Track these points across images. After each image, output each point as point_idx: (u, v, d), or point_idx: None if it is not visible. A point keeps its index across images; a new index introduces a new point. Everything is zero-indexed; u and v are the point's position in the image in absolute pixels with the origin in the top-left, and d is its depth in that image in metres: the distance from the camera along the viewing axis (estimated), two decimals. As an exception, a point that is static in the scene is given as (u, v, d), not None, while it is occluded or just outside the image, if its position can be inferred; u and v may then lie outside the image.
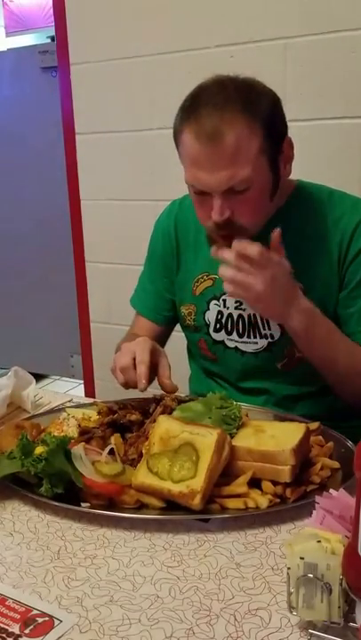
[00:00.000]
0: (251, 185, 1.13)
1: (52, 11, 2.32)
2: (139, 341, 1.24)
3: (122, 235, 2.23)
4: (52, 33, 2.33)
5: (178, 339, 1.48)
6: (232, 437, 1.02)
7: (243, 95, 1.12)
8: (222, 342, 1.33)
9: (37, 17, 6.35)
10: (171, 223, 1.40)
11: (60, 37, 2.26)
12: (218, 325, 1.32)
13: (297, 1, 1.77)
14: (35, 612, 0.80)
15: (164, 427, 1.02)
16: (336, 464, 1.02)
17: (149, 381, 1.22)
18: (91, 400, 1.35)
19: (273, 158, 1.16)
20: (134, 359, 1.20)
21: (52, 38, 2.37)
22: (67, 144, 2.33)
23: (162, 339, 1.44)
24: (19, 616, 0.79)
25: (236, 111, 1.10)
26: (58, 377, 3.52)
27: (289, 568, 0.74)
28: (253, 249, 1.10)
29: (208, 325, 1.33)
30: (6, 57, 3.18)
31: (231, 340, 1.31)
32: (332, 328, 1.20)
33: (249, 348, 1.29)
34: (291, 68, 1.82)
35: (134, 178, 2.13)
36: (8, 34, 5.18)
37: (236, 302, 1.29)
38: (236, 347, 1.31)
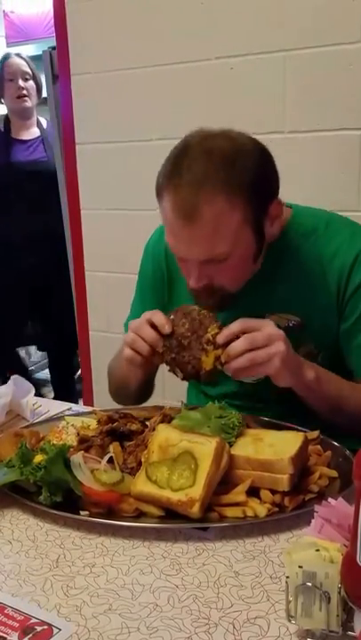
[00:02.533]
0: (231, 255, 1.11)
1: (52, 21, 2.34)
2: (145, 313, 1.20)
3: (122, 244, 2.24)
4: (53, 43, 2.35)
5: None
6: (231, 446, 1.02)
7: (226, 168, 1.07)
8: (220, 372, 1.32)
9: (38, 27, 6.39)
10: (161, 251, 1.37)
11: (61, 48, 2.28)
12: None
13: (296, 14, 1.79)
14: (33, 620, 0.80)
15: (164, 435, 1.02)
16: (334, 473, 1.02)
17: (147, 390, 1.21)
18: (90, 408, 1.35)
19: (258, 225, 1.14)
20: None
21: (53, 49, 2.38)
22: (66, 153, 2.34)
23: (153, 372, 1.38)
24: (17, 624, 0.79)
25: (217, 188, 1.06)
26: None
27: (288, 577, 0.74)
28: (238, 325, 1.08)
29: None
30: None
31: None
32: (333, 375, 1.19)
33: (248, 379, 1.25)
34: (290, 80, 1.84)
35: (134, 187, 2.14)
36: (9, 44, 5.21)
37: None
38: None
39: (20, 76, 3.01)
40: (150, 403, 1.31)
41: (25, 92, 3.01)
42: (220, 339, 1.10)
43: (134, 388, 1.35)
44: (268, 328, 1.09)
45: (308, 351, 1.23)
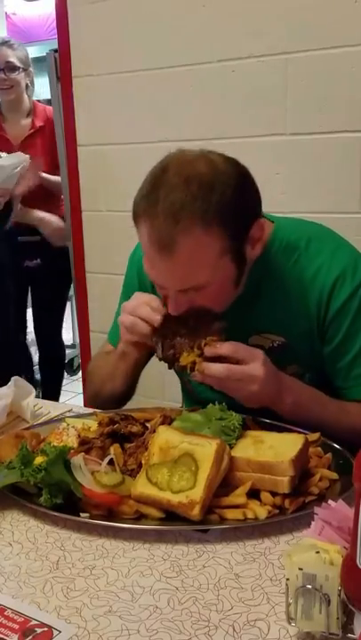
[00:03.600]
0: (210, 283, 1.10)
1: (54, 24, 2.35)
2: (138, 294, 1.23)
3: (122, 246, 2.24)
4: (55, 45, 2.35)
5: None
6: (231, 448, 1.02)
7: (203, 197, 1.04)
8: (209, 386, 1.32)
9: (40, 29, 6.41)
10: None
11: (63, 50, 2.28)
12: None
13: (298, 17, 1.80)
14: (33, 622, 0.80)
15: (164, 437, 1.02)
16: (335, 475, 1.02)
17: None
18: (90, 410, 1.35)
19: (238, 251, 1.11)
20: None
21: (55, 51, 2.38)
22: (69, 155, 2.35)
23: (141, 367, 1.39)
24: (17, 626, 0.79)
25: (194, 219, 1.04)
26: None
27: (288, 579, 0.74)
28: (228, 347, 1.09)
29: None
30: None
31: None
32: (318, 395, 1.19)
33: None
34: (292, 83, 1.84)
35: (135, 190, 2.14)
36: (11, 46, 5.21)
37: None
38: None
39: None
40: (151, 404, 1.31)
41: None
42: (208, 352, 1.11)
43: (120, 385, 1.36)
44: (251, 367, 1.09)
45: (293, 372, 1.22)
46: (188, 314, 1.15)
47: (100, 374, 1.40)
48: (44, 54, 2.52)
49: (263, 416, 1.19)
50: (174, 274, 1.09)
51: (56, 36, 2.31)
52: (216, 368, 1.10)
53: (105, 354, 1.43)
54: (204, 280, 1.09)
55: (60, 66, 2.32)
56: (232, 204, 1.07)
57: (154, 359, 1.26)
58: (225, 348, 1.10)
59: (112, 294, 2.39)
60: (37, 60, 3.08)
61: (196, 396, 1.36)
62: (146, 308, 1.17)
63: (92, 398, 1.43)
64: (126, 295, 1.42)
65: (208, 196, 1.05)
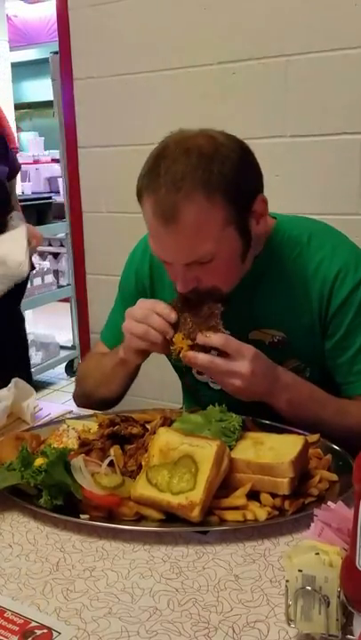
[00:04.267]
0: (216, 256, 1.10)
1: (55, 26, 2.35)
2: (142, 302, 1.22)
3: (122, 247, 2.24)
4: (56, 48, 2.35)
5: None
6: (231, 449, 1.02)
7: (204, 166, 1.06)
8: (206, 384, 1.32)
9: (41, 32, 6.42)
10: (145, 262, 1.36)
11: (64, 53, 2.29)
12: None
13: (299, 19, 1.80)
14: (33, 623, 0.80)
15: (164, 438, 1.02)
16: (334, 476, 1.02)
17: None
18: (90, 412, 1.35)
19: (242, 223, 1.12)
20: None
21: (56, 53, 2.39)
22: (69, 157, 2.35)
23: (137, 372, 1.40)
24: (17, 628, 0.79)
25: (196, 188, 1.05)
26: (57, 388, 3.53)
27: (287, 580, 0.74)
28: (218, 340, 1.09)
29: (190, 368, 1.30)
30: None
31: (215, 382, 1.27)
32: (317, 394, 1.18)
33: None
34: (292, 85, 1.85)
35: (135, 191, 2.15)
36: (12, 48, 5.24)
37: None
38: (220, 389, 1.22)
39: None
40: (151, 406, 1.31)
41: None
42: (199, 340, 1.11)
43: (115, 390, 1.36)
44: (237, 364, 1.09)
45: (294, 366, 1.22)
46: (190, 308, 1.15)
47: (95, 377, 1.40)
48: (46, 56, 2.53)
49: (263, 417, 1.19)
50: (179, 245, 1.09)
51: (57, 39, 2.31)
52: (201, 357, 1.11)
53: (100, 355, 1.42)
54: (209, 250, 1.09)
55: (61, 68, 2.33)
56: (234, 174, 1.08)
57: (151, 361, 1.26)
58: (215, 339, 1.10)
59: (112, 296, 2.39)
60: (38, 62, 3.10)
61: (197, 395, 1.36)
62: (157, 317, 1.16)
63: (82, 398, 1.43)
64: (122, 296, 1.43)
65: (209, 166, 1.06)
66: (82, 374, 1.46)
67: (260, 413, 1.21)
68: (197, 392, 1.36)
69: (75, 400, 1.45)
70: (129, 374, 1.34)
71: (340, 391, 1.23)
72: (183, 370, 1.34)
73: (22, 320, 2.37)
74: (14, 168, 2.27)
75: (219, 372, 1.11)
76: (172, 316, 1.15)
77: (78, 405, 1.43)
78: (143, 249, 1.38)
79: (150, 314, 1.16)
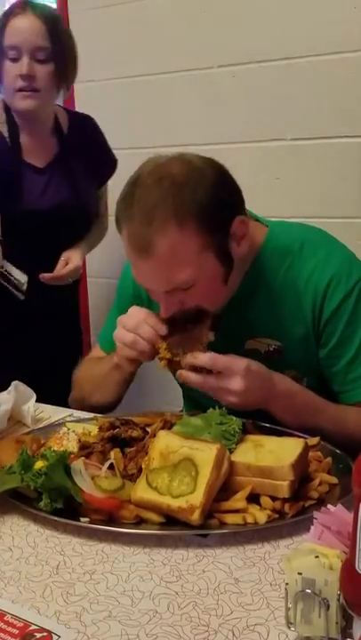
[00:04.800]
0: (197, 281, 1.10)
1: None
2: (133, 310, 1.22)
3: (123, 250, 2.25)
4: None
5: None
6: (231, 452, 1.02)
7: (176, 194, 1.05)
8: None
9: (42, 36, 6.38)
10: None
11: (64, 56, 2.29)
12: None
13: (299, 22, 1.81)
14: (33, 627, 0.80)
15: (164, 442, 1.02)
16: (334, 479, 1.02)
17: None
18: (91, 415, 1.35)
19: (220, 247, 1.11)
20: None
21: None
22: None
23: (132, 378, 1.40)
24: (17, 631, 0.79)
25: (168, 217, 1.05)
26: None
27: (287, 583, 0.74)
28: (205, 360, 1.09)
29: None
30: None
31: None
32: (314, 400, 1.18)
33: None
34: (292, 88, 1.85)
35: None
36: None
37: None
38: None
39: (27, 53, 1.70)
40: (151, 408, 1.31)
41: (29, 81, 1.72)
42: (184, 363, 1.12)
43: (110, 395, 1.36)
44: (229, 381, 1.09)
45: (291, 376, 1.22)
46: (180, 323, 1.15)
47: (91, 382, 1.40)
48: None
49: (264, 420, 1.19)
50: (156, 275, 1.10)
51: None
52: (193, 377, 1.12)
53: (96, 360, 1.42)
54: (187, 278, 1.09)
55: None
56: (207, 199, 1.07)
57: (151, 364, 1.26)
58: (202, 359, 1.10)
59: (112, 299, 2.40)
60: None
61: (197, 398, 1.36)
62: (148, 328, 1.16)
63: (77, 402, 1.43)
64: (119, 301, 1.43)
65: (181, 193, 1.06)
66: (79, 378, 1.45)
67: (260, 416, 1.21)
68: (196, 395, 1.36)
69: (70, 404, 1.45)
70: (124, 380, 1.34)
71: (337, 400, 1.23)
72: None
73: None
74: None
75: (212, 390, 1.11)
76: (162, 328, 1.15)
77: (74, 409, 1.43)
78: None
79: (141, 324, 1.17)
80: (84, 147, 1.93)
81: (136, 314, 1.20)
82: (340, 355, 1.20)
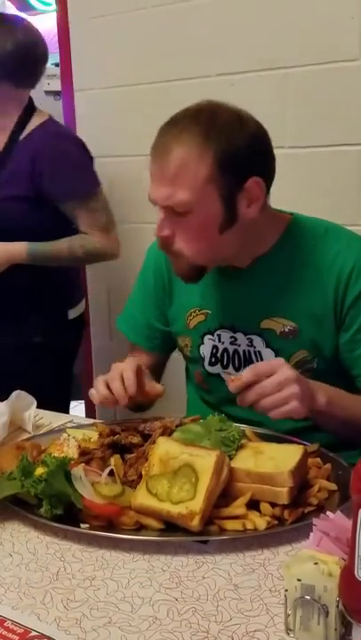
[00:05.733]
0: (192, 210, 1.12)
1: (56, 38, 2.37)
2: (125, 361, 1.25)
3: (124, 256, 2.25)
4: (57, 60, 2.37)
5: (177, 361, 1.49)
6: (231, 459, 1.02)
7: (212, 122, 1.11)
8: (218, 375, 1.31)
9: (42, 43, 6.41)
10: (161, 256, 1.36)
11: (64, 64, 2.31)
12: (213, 359, 1.31)
13: (297, 31, 1.82)
14: (33, 633, 0.80)
15: (164, 448, 1.03)
16: (333, 486, 1.03)
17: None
18: (91, 421, 1.35)
19: (227, 191, 1.12)
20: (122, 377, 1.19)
21: (57, 64, 2.41)
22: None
23: (158, 365, 1.43)
24: (17, 637, 0.79)
25: (194, 134, 1.10)
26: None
27: (286, 590, 0.75)
28: (249, 373, 1.06)
29: (203, 359, 1.32)
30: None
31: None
32: (339, 391, 1.17)
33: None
34: (290, 97, 1.86)
35: (137, 202, 2.16)
36: (13, 59, 5.24)
37: (230, 337, 1.28)
38: None
39: None
40: (151, 413, 1.32)
41: None
42: (232, 389, 1.08)
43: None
44: (279, 374, 1.05)
45: (302, 357, 1.23)
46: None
47: None
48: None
49: (262, 426, 1.20)
50: (161, 182, 1.13)
51: (58, 51, 2.33)
52: (249, 395, 1.06)
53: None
54: (184, 199, 1.11)
55: (62, 79, 2.35)
56: (237, 142, 1.11)
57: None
58: (245, 375, 1.07)
59: (114, 304, 2.41)
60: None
61: (208, 391, 1.37)
62: (118, 383, 1.17)
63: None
64: (142, 289, 1.45)
65: (212, 125, 1.11)
66: None
67: (259, 423, 1.21)
68: (208, 387, 1.36)
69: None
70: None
71: (353, 384, 1.23)
72: (199, 360, 1.33)
73: None
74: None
75: (273, 389, 1.05)
76: (132, 389, 1.16)
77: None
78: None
79: (115, 379, 1.18)
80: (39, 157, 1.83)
81: (116, 368, 1.21)
82: None
